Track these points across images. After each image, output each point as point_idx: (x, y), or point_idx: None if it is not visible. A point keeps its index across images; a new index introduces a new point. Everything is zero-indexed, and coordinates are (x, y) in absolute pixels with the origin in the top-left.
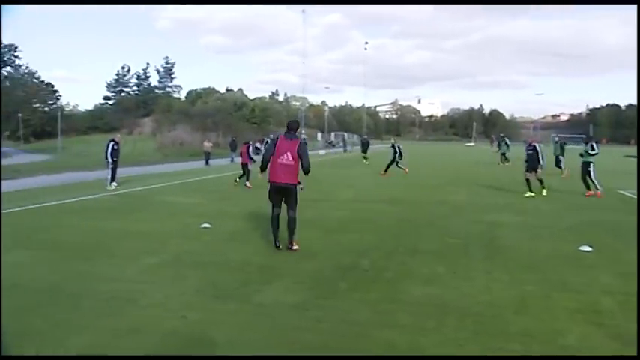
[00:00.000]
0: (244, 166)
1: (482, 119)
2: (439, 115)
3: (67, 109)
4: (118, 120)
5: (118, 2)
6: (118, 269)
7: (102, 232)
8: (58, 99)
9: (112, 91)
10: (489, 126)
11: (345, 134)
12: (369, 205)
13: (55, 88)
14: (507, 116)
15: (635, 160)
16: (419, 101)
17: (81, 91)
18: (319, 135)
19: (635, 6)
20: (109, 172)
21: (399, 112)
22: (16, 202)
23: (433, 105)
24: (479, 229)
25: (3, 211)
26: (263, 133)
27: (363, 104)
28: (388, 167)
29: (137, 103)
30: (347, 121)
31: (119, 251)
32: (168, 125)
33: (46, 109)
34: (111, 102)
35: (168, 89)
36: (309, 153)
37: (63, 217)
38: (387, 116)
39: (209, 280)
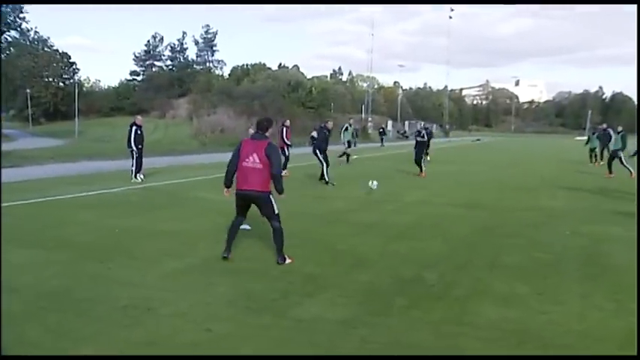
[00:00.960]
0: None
1: (600, 105)
2: (542, 100)
3: (86, 85)
4: (148, 100)
5: None
6: (138, 273)
7: (121, 230)
8: (76, 72)
9: (141, 66)
10: (611, 114)
11: (422, 123)
12: (442, 208)
13: (71, 60)
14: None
15: None
16: (516, 83)
17: (103, 63)
18: (389, 123)
19: (635, 6)
20: (133, 161)
21: (490, 97)
22: (20, 194)
23: (535, 88)
24: (578, 242)
25: (4, 204)
26: (321, 120)
27: (445, 86)
28: (419, 162)
29: (171, 81)
30: (425, 106)
31: (140, 253)
32: (207, 107)
33: (61, 84)
34: (139, 78)
35: (208, 64)
36: (387, 144)
37: (76, 213)
38: (475, 102)
39: (242, 290)
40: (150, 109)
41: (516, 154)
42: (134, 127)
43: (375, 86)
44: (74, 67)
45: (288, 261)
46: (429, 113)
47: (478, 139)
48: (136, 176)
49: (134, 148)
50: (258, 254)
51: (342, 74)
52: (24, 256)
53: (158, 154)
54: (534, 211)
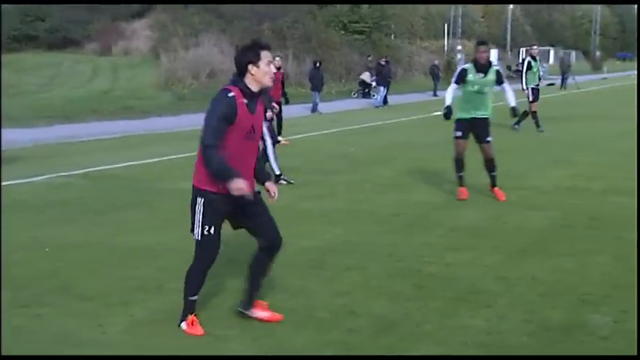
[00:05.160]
0: None
1: None
2: None
3: None
4: (78, 24)
5: None
6: (91, 324)
7: (54, 249)
8: None
9: None
10: None
11: (549, 50)
12: (602, 199)
13: None
14: None
15: None
16: None
17: None
18: (495, 54)
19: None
20: None
21: None
22: None
23: None
24: None
25: None
26: (378, 55)
27: None
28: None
29: None
30: (556, 21)
31: (92, 288)
32: (184, 35)
33: None
34: None
35: None
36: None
37: None
38: None
39: (272, 344)
40: (82, 40)
41: None
42: None
43: None
44: None
45: (184, 327)
46: (563, 33)
47: None
48: None
49: None
50: (295, 285)
51: None
52: None
53: (103, 116)
54: None
